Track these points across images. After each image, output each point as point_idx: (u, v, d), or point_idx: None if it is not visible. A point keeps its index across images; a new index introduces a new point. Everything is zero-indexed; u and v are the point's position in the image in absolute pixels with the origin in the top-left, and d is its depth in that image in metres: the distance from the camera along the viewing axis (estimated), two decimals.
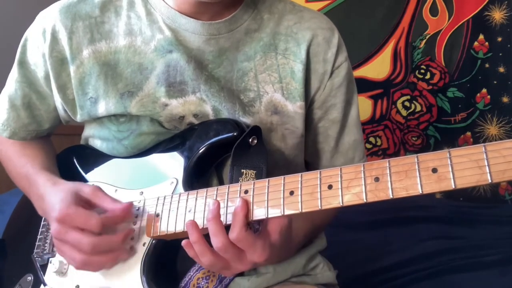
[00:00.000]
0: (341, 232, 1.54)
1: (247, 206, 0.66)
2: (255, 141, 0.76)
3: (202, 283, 0.76)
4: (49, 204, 0.77)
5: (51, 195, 0.78)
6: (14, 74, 0.89)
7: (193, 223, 0.68)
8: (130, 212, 0.76)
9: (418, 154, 0.59)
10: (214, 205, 0.67)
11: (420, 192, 0.58)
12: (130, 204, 0.76)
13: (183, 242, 0.68)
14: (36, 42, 0.86)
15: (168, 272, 0.78)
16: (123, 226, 0.76)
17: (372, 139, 2.35)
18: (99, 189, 0.78)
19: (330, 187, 0.62)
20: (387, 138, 2.34)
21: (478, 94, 2.27)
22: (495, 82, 2.25)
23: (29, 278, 0.85)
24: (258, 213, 0.67)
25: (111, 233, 0.74)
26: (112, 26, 0.84)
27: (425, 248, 1.47)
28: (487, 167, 0.54)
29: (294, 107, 0.85)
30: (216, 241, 0.66)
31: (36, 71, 0.87)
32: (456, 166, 0.56)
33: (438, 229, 1.64)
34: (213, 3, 0.79)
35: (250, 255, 0.67)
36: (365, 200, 0.61)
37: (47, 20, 0.85)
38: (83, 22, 0.83)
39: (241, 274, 0.79)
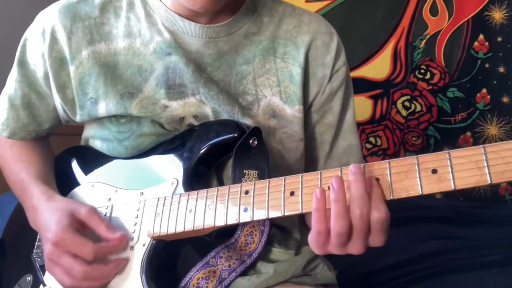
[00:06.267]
0: None
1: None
2: (256, 142, 0.77)
3: (202, 283, 0.75)
4: (45, 223, 0.77)
5: (47, 213, 0.78)
6: (14, 74, 0.89)
7: (322, 190, 0.62)
8: (125, 242, 0.75)
9: (418, 155, 0.59)
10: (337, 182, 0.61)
11: (420, 192, 0.58)
12: (124, 235, 0.75)
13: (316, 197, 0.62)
14: (35, 42, 0.86)
15: (168, 272, 0.78)
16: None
17: (372, 139, 2.34)
18: (94, 211, 0.77)
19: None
20: (387, 138, 2.33)
21: (478, 94, 2.26)
22: (495, 82, 2.25)
23: (29, 278, 0.85)
24: (266, 213, 0.66)
25: (103, 260, 0.74)
26: (112, 27, 0.84)
27: (425, 248, 1.47)
28: (486, 168, 0.55)
29: (293, 110, 0.84)
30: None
31: (35, 71, 0.87)
32: (456, 167, 0.56)
33: (438, 229, 1.64)
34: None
35: (378, 237, 0.63)
36: None
37: (47, 20, 0.85)
38: (82, 22, 0.83)
39: (242, 274, 0.79)
